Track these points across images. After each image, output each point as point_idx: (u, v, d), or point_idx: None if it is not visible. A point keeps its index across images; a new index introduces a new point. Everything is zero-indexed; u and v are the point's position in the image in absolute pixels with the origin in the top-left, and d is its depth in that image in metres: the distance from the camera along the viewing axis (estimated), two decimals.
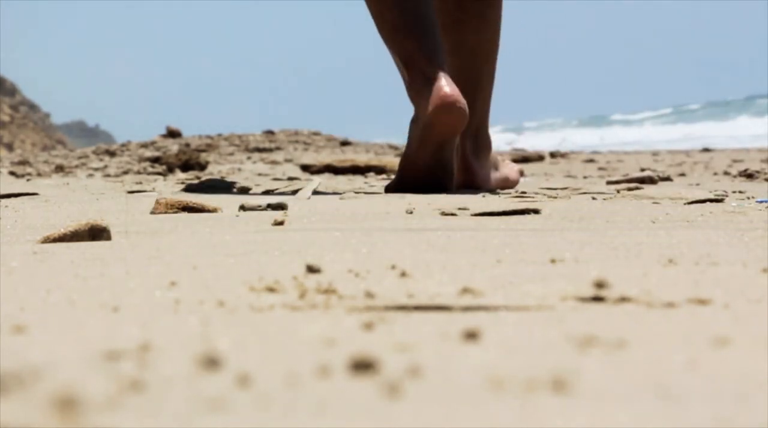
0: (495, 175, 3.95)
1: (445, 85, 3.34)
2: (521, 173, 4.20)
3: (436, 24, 3.45)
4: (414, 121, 3.49)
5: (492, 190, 3.74)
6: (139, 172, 6.24)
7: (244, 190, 4.12)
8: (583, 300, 1.26)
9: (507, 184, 4.01)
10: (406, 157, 3.53)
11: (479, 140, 3.87)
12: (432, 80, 3.36)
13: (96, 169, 7.24)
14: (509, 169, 4.08)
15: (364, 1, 3.64)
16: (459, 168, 3.80)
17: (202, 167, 6.27)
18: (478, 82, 3.78)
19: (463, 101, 3.34)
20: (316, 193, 3.81)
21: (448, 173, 3.51)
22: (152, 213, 2.89)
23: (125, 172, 6.39)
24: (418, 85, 3.40)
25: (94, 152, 10.12)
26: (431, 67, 3.37)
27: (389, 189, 3.64)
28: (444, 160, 3.48)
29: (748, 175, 5.19)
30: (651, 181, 4.53)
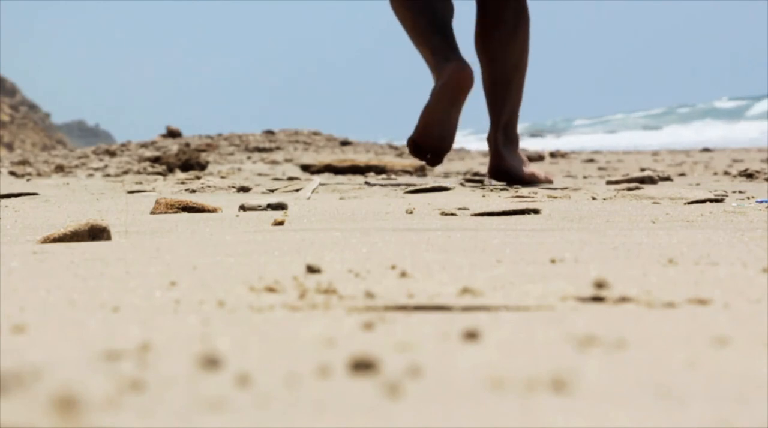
0: (524, 167, 4.70)
1: (460, 60, 4.39)
2: (550, 178, 4.83)
3: (452, 27, 4.55)
4: (434, 88, 4.43)
5: (522, 179, 4.59)
6: (139, 172, 6.25)
7: (244, 190, 4.12)
8: (583, 300, 1.26)
9: (535, 178, 4.68)
10: (425, 109, 4.44)
11: (508, 134, 4.76)
12: (450, 59, 4.38)
13: (96, 169, 7.24)
14: (537, 168, 4.96)
15: (394, 10, 4.63)
16: (491, 154, 4.73)
17: (202, 167, 6.27)
18: (509, 86, 4.74)
19: (471, 70, 4.37)
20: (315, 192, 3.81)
21: (452, 129, 4.49)
22: (152, 213, 2.89)
23: (125, 172, 6.39)
24: (441, 63, 4.39)
25: (94, 152, 10.13)
26: (452, 53, 4.42)
27: (409, 140, 4.56)
28: (452, 117, 4.46)
29: (748, 175, 5.19)
30: (651, 181, 4.53)
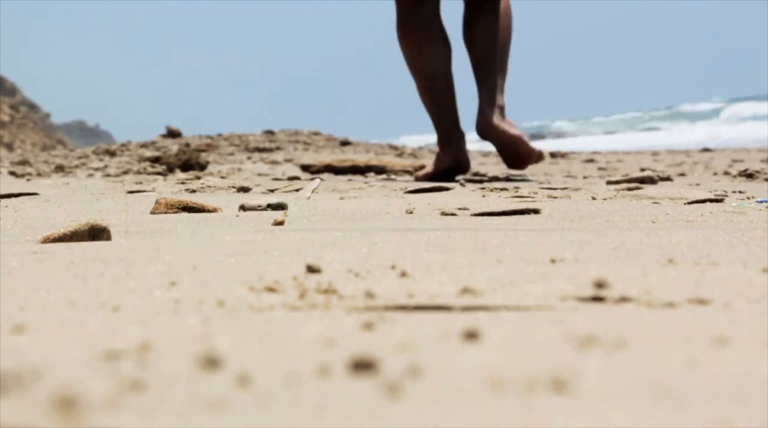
0: (512, 130, 5.08)
1: (459, 149, 5.10)
2: (541, 154, 5.25)
3: (455, 99, 5.15)
4: (437, 162, 5.12)
5: (508, 137, 5.02)
6: (139, 172, 6.25)
7: (244, 190, 4.12)
8: (583, 300, 1.26)
9: (522, 141, 5.08)
10: (431, 172, 5.10)
11: (493, 99, 5.08)
12: (452, 142, 5.09)
13: (96, 169, 7.24)
14: (524, 136, 5.24)
15: (403, 48, 5.14)
16: (478, 113, 5.06)
17: (202, 167, 6.27)
18: (493, 60, 5.11)
19: (468, 160, 5.10)
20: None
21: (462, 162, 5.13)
22: (152, 213, 2.89)
23: (125, 172, 6.39)
24: (443, 143, 5.13)
25: (94, 152, 10.13)
26: (455, 131, 5.11)
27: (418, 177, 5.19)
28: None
29: (748, 175, 5.19)
30: (651, 181, 4.53)
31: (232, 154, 9.91)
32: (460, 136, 5.11)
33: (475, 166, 7.43)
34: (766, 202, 3.13)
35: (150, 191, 4.19)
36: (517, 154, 5.08)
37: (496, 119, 5.01)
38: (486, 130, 5.01)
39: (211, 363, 0.89)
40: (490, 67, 5.12)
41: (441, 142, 5.11)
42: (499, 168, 6.78)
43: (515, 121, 5.30)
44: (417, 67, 5.08)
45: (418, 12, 5.05)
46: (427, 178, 5.05)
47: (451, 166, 5.03)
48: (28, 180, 5.66)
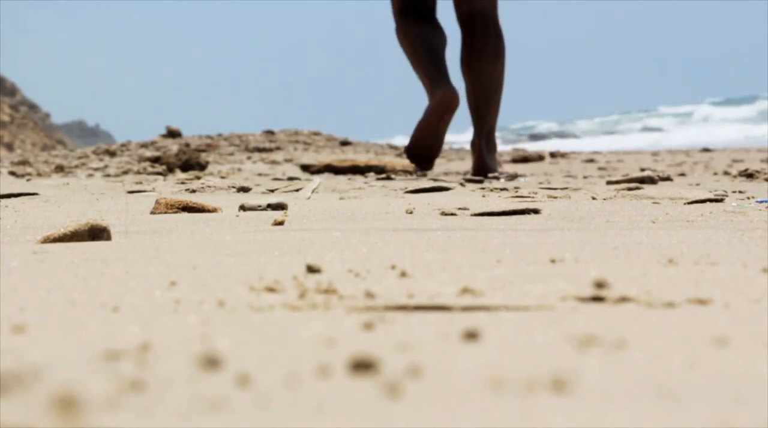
0: (499, 168, 5.72)
1: (449, 86, 5.59)
2: (516, 174, 5.81)
3: (444, 57, 5.70)
4: (427, 107, 5.61)
5: (497, 173, 5.56)
6: (139, 172, 6.25)
7: (244, 190, 4.12)
8: (583, 300, 1.26)
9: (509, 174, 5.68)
10: (419, 123, 5.65)
11: (489, 141, 5.81)
12: (441, 85, 5.58)
13: (96, 169, 7.24)
14: (510, 168, 6.23)
15: (398, 40, 5.80)
16: (475, 158, 5.75)
17: (202, 167, 6.27)
18: (489, 103, 5.81)
19: (457, 95, 5.56)
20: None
21: (439, 140, 5.71)
22: (152, 213, 2.89)
23: (125, 172, 6.39)
24: (434, 88, 5.59)
25: (94, 152, 10.13)
26: (443, 79, 5.61)
27: (405, 148, 5.83)
28: (440, 131, 5.66)
29: (748, 175, 5.19)
30: (651, 181, 4.53)
31: (232, 154, 9.91)
32: (448, 81, 5.62)
33: None
34: (766, 201, 3.13)
35: (150, 191, 4.19)
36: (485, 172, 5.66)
37: (492, 163, 5.68)
38: (481, 174, 5.58)
39: (211, 363, 0.89)
40: (489, 108, 5.79)
41: (433, 86, 5.59)
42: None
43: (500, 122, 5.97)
44: (412, 39, 5.73)
45: (418, 6, 5.81)
46: (427, 114, 5.56)
47: (444, 98, 5.53)
48: (28, 180, 5.66)
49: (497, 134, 6.08)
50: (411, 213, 2.77)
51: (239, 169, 7.16)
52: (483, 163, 5.71)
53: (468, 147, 6.34)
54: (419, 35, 5.75)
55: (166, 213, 2.86)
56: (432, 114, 5.58)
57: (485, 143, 5.77)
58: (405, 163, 6.54)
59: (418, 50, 5.70)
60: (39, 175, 6.51)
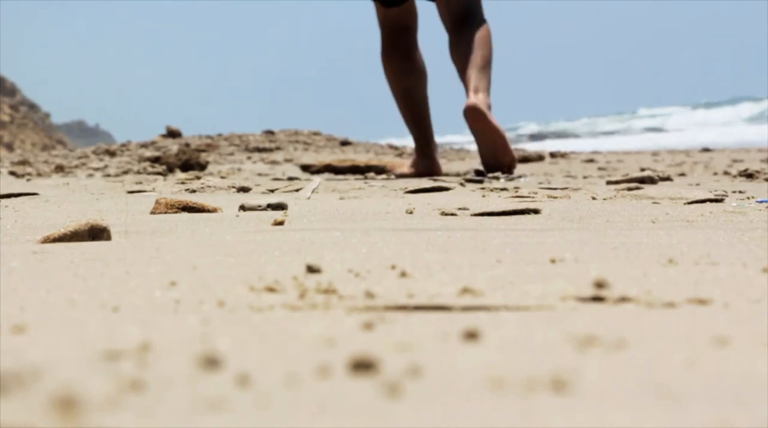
0: (497, 122, 5.59)
1: (433, 159, 6.07)
2: (514, 161, 5.78)
3: (430, 117, 6.24)
4: (414, 164, 6.09)
5: (494, 130, 5.53)
6: (139, 172, 6.25)
7: (244, 190, 4.12)
8: (583, 300, 1.26)
9: (502, 140, 5.62)
10: (410, 169, 6.03)
11: (479, 92, 5.65)
12: (427, 157, 6.07)
13: (96, 169, 7.25)
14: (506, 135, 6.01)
15: (391, 91, 6.24)
16: (468, 98, 5.62)
17: (202, 167, 6.27)
18: (477, 68, 5.73)
19: (439, 167, 6.13)
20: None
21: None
22: (152, 213, 2.89)
23: (125, 172, 6.39)
24: (420, 154, 6.09)
25: (94, 152, 10.13)
26: (430, 143, 6.12)
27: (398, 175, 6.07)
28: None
29: (748, 175, 5.19)
30: (651, 181, 4.53)
31: (232, 154, 9.91)
32: (434, 148, 6.13)
33: (475, 165, 7.42)
34: (766, 201, 3.13)
35: (150, 191, 4.19)
36: (494, 146, 5.60)
37: (483, 105, 5.52)
38: (473, 113, 5.50)
39: (211, 363, 0.89)
40: (476, 74, 5.74)
41: (418, 152, 6.12)
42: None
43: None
44: (398, 93, 6.17)
45: (398, 46, 6.08)
46: (404, 176, 5.87)
47: (426, 173, 5.91)
48: (28, 180, 5.66)
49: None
50: (411, 213, 2.77)
51: (239, 169, 7.16)
52: (473, 101, 5.61)
53: (467, 146, 6.31)
54: (409, 85, 6.13)
55: (166, 213, 2.86)
56: (418, 174, 5.92)
57: (474, 89, 5.66)
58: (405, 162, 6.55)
59: (408, 105, 6.15)
60: (39, 175, 6.51)
